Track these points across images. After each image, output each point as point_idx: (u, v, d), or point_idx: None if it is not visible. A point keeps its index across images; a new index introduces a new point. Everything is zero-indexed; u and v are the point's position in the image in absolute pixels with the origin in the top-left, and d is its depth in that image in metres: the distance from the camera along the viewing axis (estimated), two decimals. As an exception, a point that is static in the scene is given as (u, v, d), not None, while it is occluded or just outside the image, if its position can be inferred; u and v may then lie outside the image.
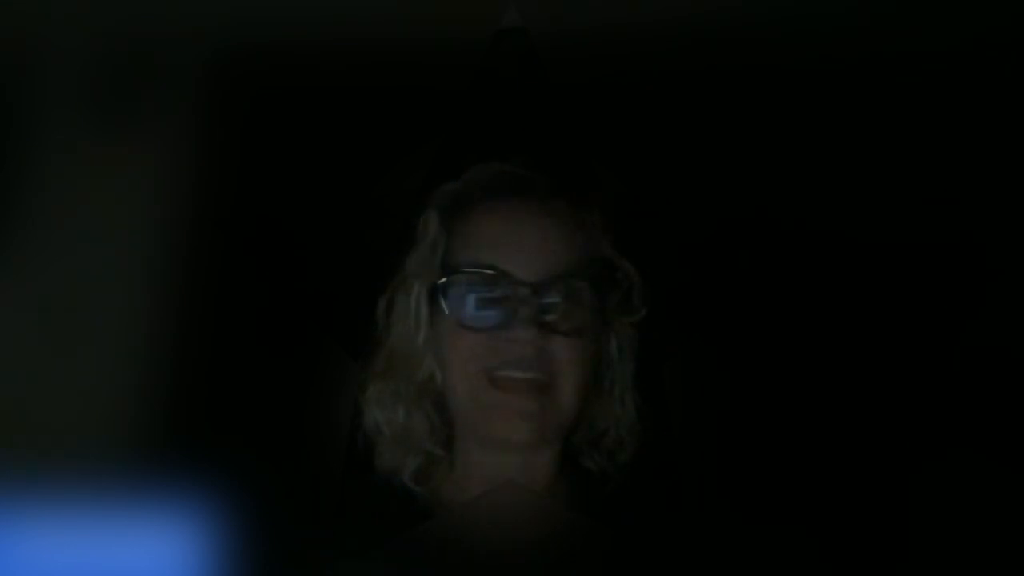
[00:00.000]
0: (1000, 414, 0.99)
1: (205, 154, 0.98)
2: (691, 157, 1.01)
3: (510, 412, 0.88)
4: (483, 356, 0.89)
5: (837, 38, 0.98)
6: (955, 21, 0.98)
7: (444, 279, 0.91)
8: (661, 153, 1.01)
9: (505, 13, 0.99)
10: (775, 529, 0.96)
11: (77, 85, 0.96)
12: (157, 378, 0.96)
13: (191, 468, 0.94)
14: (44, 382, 0.94)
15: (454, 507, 0.92)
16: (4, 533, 0.91)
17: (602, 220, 0.94)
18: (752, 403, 1.00)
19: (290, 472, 0.97)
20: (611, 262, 0.93)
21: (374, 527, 0.91)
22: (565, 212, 0.92)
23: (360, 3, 0.98)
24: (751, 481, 0.99)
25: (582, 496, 0.94)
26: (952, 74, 0.99)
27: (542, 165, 0.94)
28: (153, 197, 0.97)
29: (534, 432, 0.89)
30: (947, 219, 1.00)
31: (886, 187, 1.00)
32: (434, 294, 0.91)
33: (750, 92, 0.99)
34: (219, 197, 0.99)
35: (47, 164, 0.96)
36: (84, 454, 0.93)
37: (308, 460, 0.98)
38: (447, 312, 0.90)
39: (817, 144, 1.00)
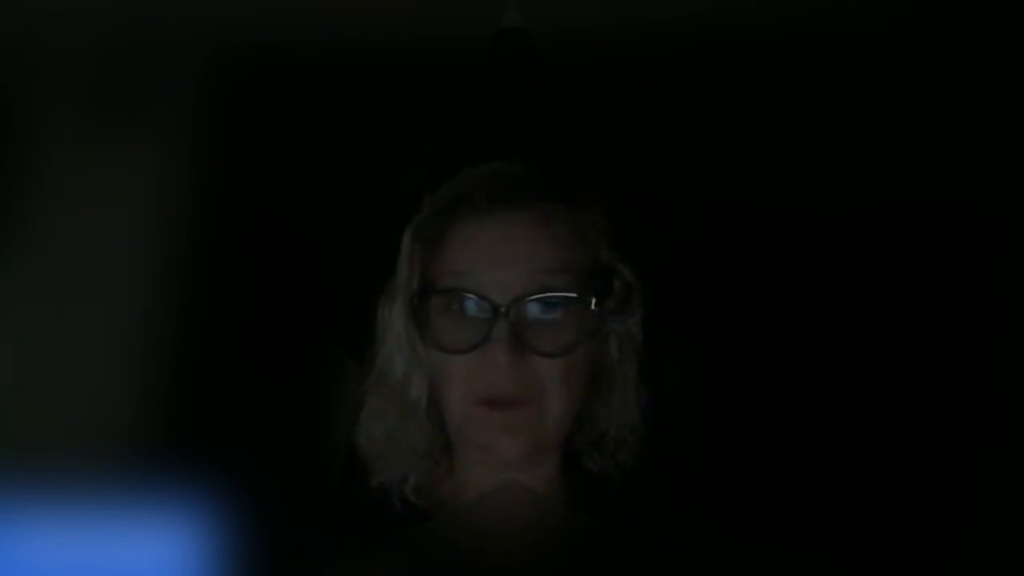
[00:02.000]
0: (1004, 419, 0.99)
1: (205, 154, 0.98)
2: (691, 157, 1.01)
3: (497, 431, 0.88)
4: (465, 378, 0.88)
5: (837, 38, 0.98)
6: (954, 20, 0.98)
7: (419, 300, 0.90)
8: (661, 153, 1.01)
9: (505, 13, 0.99)
10: (775, 530, 0.96)
11: (77, 85, 0.96)
12: (157, 378, 0.96)
13: (191, 468, 0.93)
14: (44, 382, 0.94)
15: (454, 507, 0.92)
16: (4, 533, 0.91)
17: (601, 221, 0.93)
18: (753, 403, 1.00)
19: (290, 472, 0.97)
20: (608, 266, 0.92)
21: (374, 527, 0.91)
22: (560, 217, 0.91)
23: (360, 3, 0.98)
24: (752, 481, 0.99)
25: (584, 496, 0.94)
26: (953, 73, 0.99)
27: (541, 166, 0.94)
28: (153, 197, 0.97)
29: (524, 450, 0.88)
30: (950, 220, 1.00)
31: (888, 187, 1.00)
32: (413, 314, 0.90)
33: (750, 92, 0.99)
34: (219, 197, 0.98)
35: (47, 164, 0.96)
36: (84, 454, 0.93)
37: (308, 460, 0.98)
38: (427, 334, 0.90)
39: (818, 144, 1.00)
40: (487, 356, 0.86)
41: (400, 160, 1.00)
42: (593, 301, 0.89)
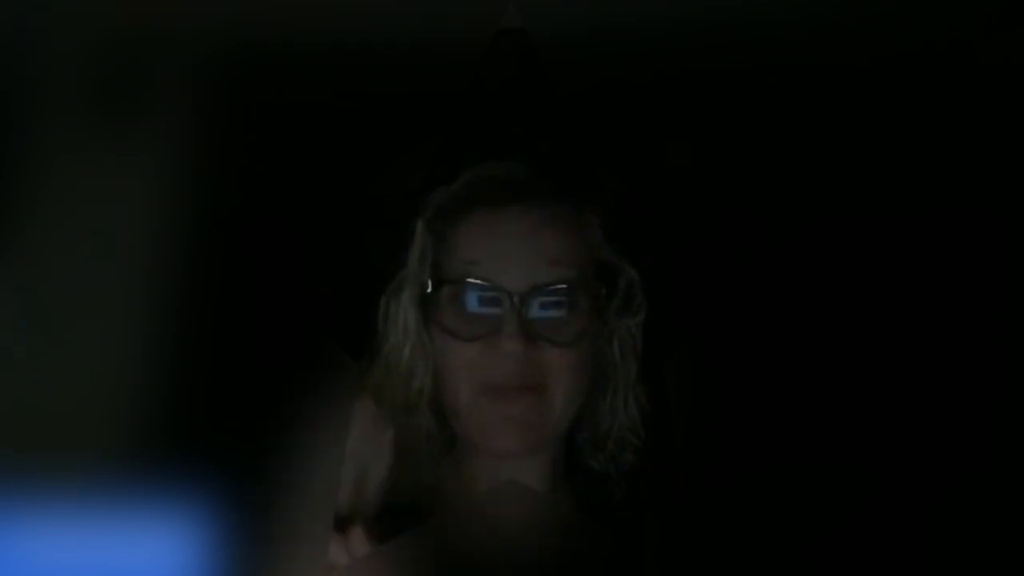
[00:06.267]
0: (1006, 419, 0.99)
1: (205, 154, 0.98)
2: (692, 157, 1.01)
3: (501, 423, 0.88)
4: (472, 368, 0.89)
5: (838, 37, 0.98)
6: (953, 20, 0.98)
7: (430, 289, 0.90)
8: (662, 153, 1.01)
9: (505, 13, 0.99)
10: (775, 530, 0.96)
11: (77, 85, 0.96)
12: (157, 378, 0.96)
13: (190, 468, 0.93)
14: (44, 382, 0.94)
15: (454, 506, 0.92)
16: (4, 533, 0.91)
17: (603, 221, 0.93)
18: (754, 403, 1.00)
19: (290, 472, 0.97)
20: (611, 265, 0.93)
21: (375, 527, 0.91)
22: (563, 216, 0.91)
23: (360, 4, 0.98)
24: (752, 481, 0.99)
25: (584, 495, 0.94)
26: (952, 73, 0.99)
27: (542, 166, 0.94)
28: (153, 197, 0.97)
29: (525, 442, 0.89)
30: (949, 219, 1.00)
31: (888, 186, 1.00)
32: (422, 304, 0.91)
33: (751, 92, 0.99)
34: (219, 197, 0.99)
35: (47, 164, 0.96)
36: (84, 454, 0.93)
37: (308, 460, 0.98)
38: (435, 323, 0.90)
39: (818, 143, 1.00)
40: (496, 345, 0.87)
41: (400, 160, 1.00)
42: (604, 292, 0.90)
